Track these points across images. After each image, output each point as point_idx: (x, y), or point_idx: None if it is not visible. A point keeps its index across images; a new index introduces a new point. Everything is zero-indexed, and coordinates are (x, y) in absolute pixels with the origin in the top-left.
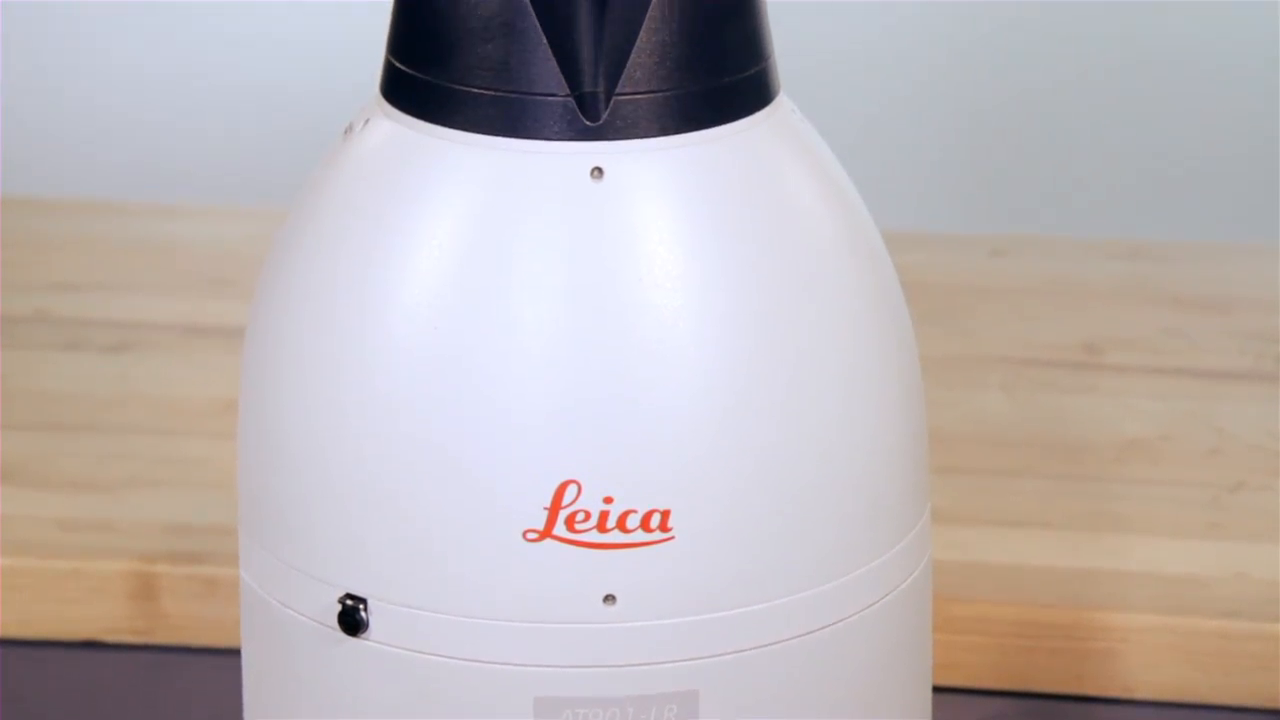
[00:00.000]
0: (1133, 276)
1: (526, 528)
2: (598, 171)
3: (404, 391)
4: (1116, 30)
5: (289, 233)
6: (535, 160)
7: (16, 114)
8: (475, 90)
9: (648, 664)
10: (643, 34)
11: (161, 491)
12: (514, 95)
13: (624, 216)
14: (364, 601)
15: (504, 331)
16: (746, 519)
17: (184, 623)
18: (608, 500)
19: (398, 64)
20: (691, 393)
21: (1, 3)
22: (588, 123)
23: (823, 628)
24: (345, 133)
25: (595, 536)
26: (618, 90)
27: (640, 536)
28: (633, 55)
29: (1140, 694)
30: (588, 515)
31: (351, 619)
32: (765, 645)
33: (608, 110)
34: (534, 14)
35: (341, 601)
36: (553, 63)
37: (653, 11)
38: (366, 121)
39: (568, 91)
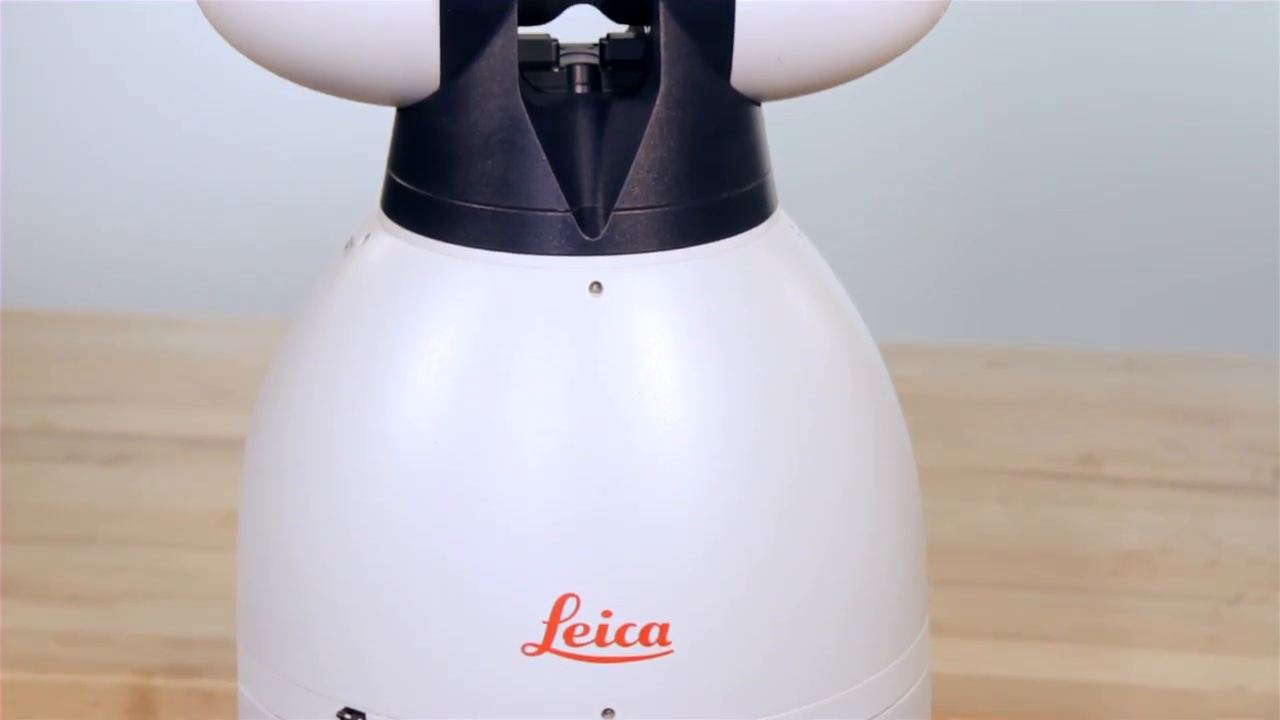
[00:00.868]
0: (1130, 388)
1: (525, 641)
2: (596, 286)
3: (404, 505)
4: (1114, 144)
5: (290, 346)
6: (535, 275)
7: (16, 227)
8: (475, 206)
9: None
10: (641, 150)
11: (160, 604)
12: (514, 210)
13: (623, 330)
14: (363, 716)
15: (503, 445)
16: (745, 633)
17: None
18: (606, 614)
19: (398, 180)
20: (690, 506)
21: (1, 115)
22: (587, 238)
23: None
24: (346, 247)
25: (594, 650)
26: (616, 205)
27: (639, 650)
28: (631, 171)
29: None
30: (586, 629)
31: None
32: None
33: (606, 225)
34: (534, 130)
35: (340, 716)
36: (552, 179)
37: (651, 128)
38: (367, 236)
39: (567, 207)
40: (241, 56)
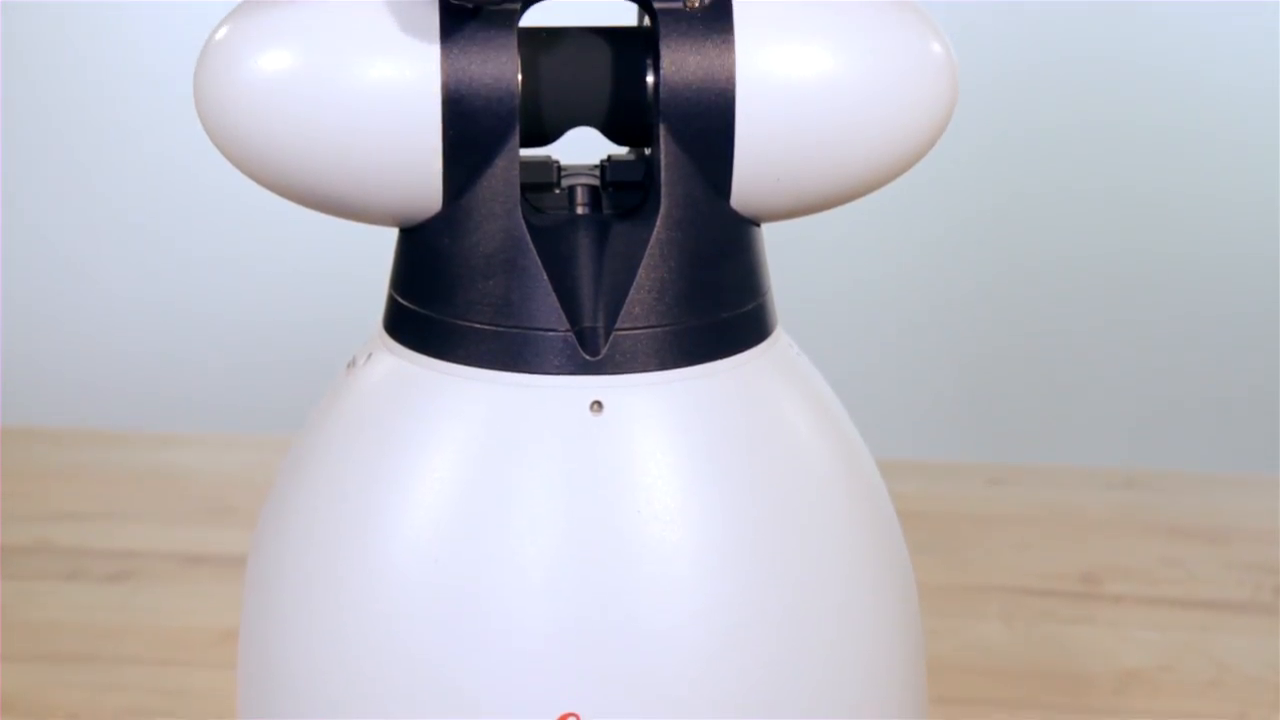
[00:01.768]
0: (1130, 506)
1: None
2: (597, 405)
3: (405, 623)
4: (1113, 262)
5: (293, 464)
6: (535, 394)
7: (17, 343)
8: (477, 325)
9: None
10: (642, 270)
11: None
12: (515, 330)
13: (623, 449)
14: None
15: (504, 564)
16: None
17: None
18: None
19: (400, 299)
20: (690, 625)
21: (1, 230)
22: (587, 357)
23: None
24: (349, 367)
25: None
26: (617, 325)
27: None
28: (632, 291)
29: None
30: None
31: None
32: None
33: (607, 345)
34: (535, 251)
35: None
36: (553, 298)
37: (651, 249)
38: (369, 356)
39: (568, 326)
40: (243, 174)
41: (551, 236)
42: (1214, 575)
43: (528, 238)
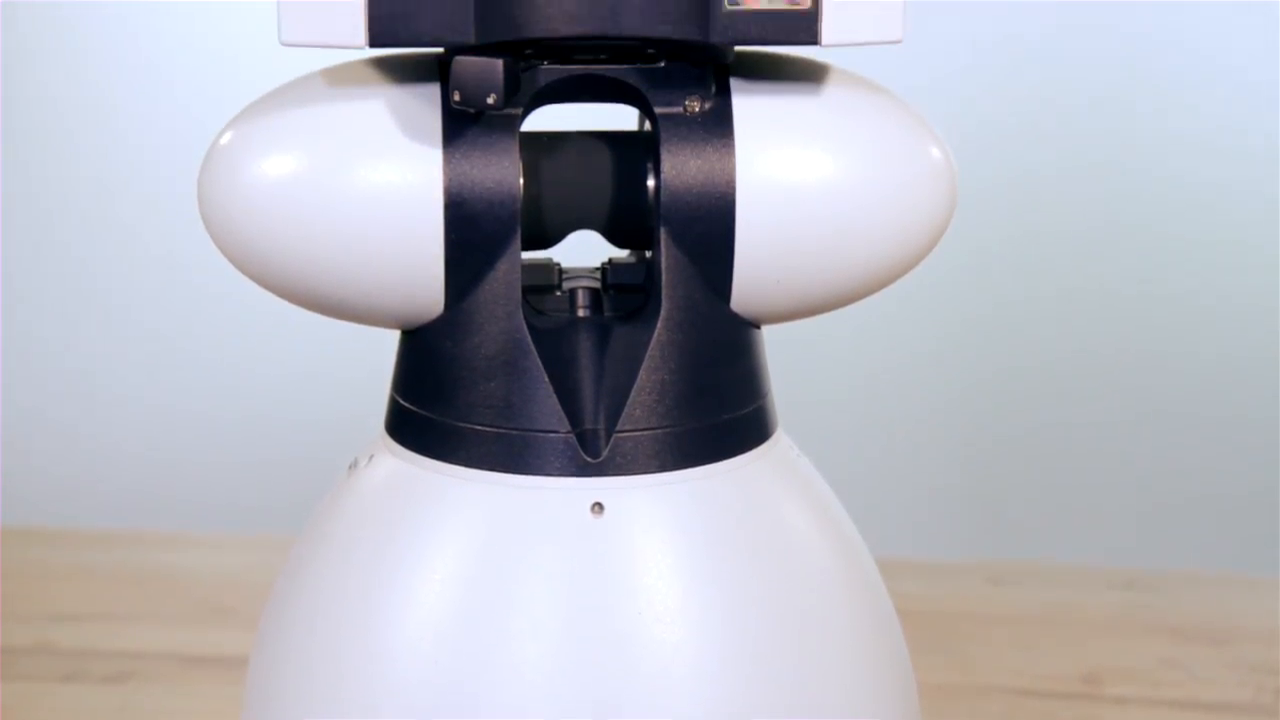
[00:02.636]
0: (1131, 606)
1: None
2: (598, 507)
3: None
4: (1113, 363)
5: (294, 566)
6: (536, 496)
7: (16, 443)
8: (478, 427)
9: None
10: (643, 373)
11: None
12: (516, 432)
13: (624, 551)
14: None
15: (506, 665)
16: None
17: None
18: None
19: (402, 401)
20: None
21: (1, 333)
22: (588, 459)
23: None
24: (350, 468)
25: None
26: (618, 427)
27: None
28: (633, 393)
29: None
30: None
31: None
32: None
33: (608, 447)
34: (536, 353)
35: None
36: (554, 400)
37: (652, 351)
38: (371, 457)
39: (569, 428)
40: (245, 276)
41: (553, 339)
42: (1215, 677)
43: (529, 340)
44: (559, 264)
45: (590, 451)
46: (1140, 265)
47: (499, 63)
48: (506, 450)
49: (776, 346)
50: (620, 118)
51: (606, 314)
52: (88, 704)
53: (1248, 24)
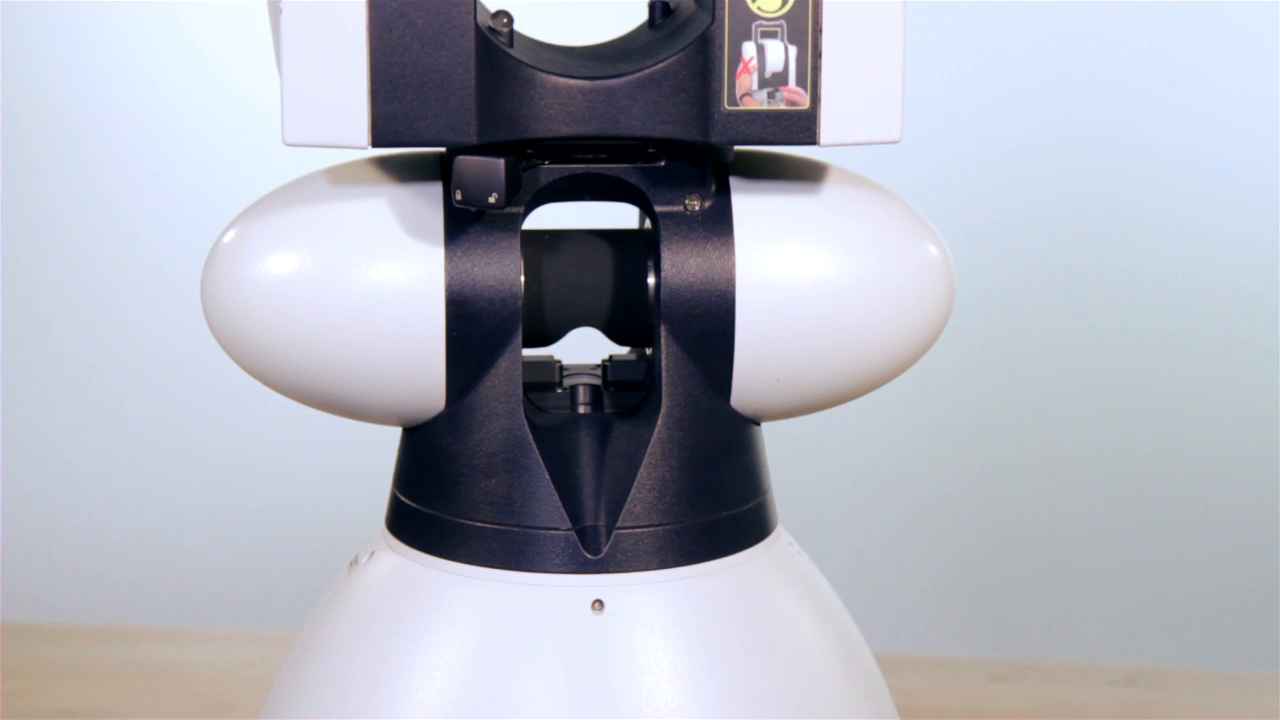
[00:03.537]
0: (1132, 703)
1: None
2: (598, 604)
3: None
4: (1113, 461)
5: (295, 663)
6: (537, 593)
7: (17, 540)
8: (478, 524)
9: None
10: (643, 470)
11: None
12: (516, 529)
13: (624, 647)
14: None
15: None
16: None
17: None
18: None
19: (403, 498)
20: None
21: (1, 430)
22: (589, 556)
23: None
24: (351, 565)
25: None
26: (618, 524)
27: None
28: (633, 490)
29: None
30: None
31: None
32: None
33: (608, 544)
34: (537, 450)
35: None
36: (555, 497)
37: (653, 448)
38: (372, 554)
39: (569, 525)
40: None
41: (553, 436)
42: None
43: (530, 437)
44: (559, 361)
45: (591, 548)
46: (1141, 365)
47: (500, 162)
48: (507, 547)
49: (777, 442)
50: (621, 216)
51: (607, 410)
52: None
53: (1252, 128)
